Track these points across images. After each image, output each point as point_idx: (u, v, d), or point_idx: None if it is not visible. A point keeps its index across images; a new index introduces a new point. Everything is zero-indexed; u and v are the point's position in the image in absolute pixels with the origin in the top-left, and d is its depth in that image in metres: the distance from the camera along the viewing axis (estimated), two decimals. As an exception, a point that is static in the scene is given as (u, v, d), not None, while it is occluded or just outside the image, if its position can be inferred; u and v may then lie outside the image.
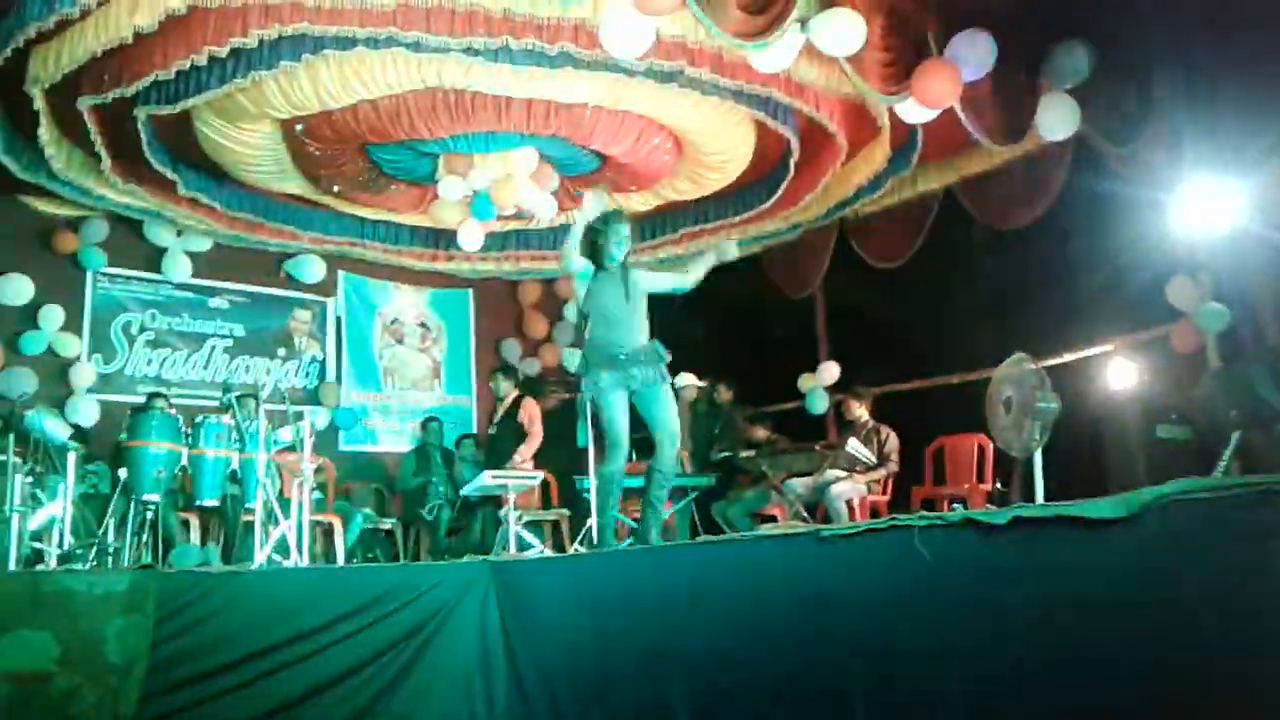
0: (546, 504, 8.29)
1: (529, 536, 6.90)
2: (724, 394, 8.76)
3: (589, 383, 5.19)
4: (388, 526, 8.05)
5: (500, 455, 8.07)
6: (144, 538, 6.02)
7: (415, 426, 9.13)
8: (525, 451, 8.09)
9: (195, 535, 6.82)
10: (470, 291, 10.19)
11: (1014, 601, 2.20)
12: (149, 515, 6.07)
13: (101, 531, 5.97)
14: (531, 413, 8.31)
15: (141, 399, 7.63)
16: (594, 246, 5.20)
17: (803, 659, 2.78)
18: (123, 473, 6.04)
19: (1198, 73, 5.93)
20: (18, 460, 5.73)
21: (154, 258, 8.61)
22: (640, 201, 8.46)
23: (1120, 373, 6.36)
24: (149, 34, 5.57)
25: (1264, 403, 4.26)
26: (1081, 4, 5.83)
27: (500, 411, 8.55)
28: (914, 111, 5.99)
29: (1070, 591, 2.10)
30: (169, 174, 7.20)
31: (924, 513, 2.74)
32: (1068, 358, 6.70)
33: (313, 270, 9.18)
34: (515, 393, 8.53)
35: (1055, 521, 2.11)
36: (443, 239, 8.83)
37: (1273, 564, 1.78)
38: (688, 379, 8.77)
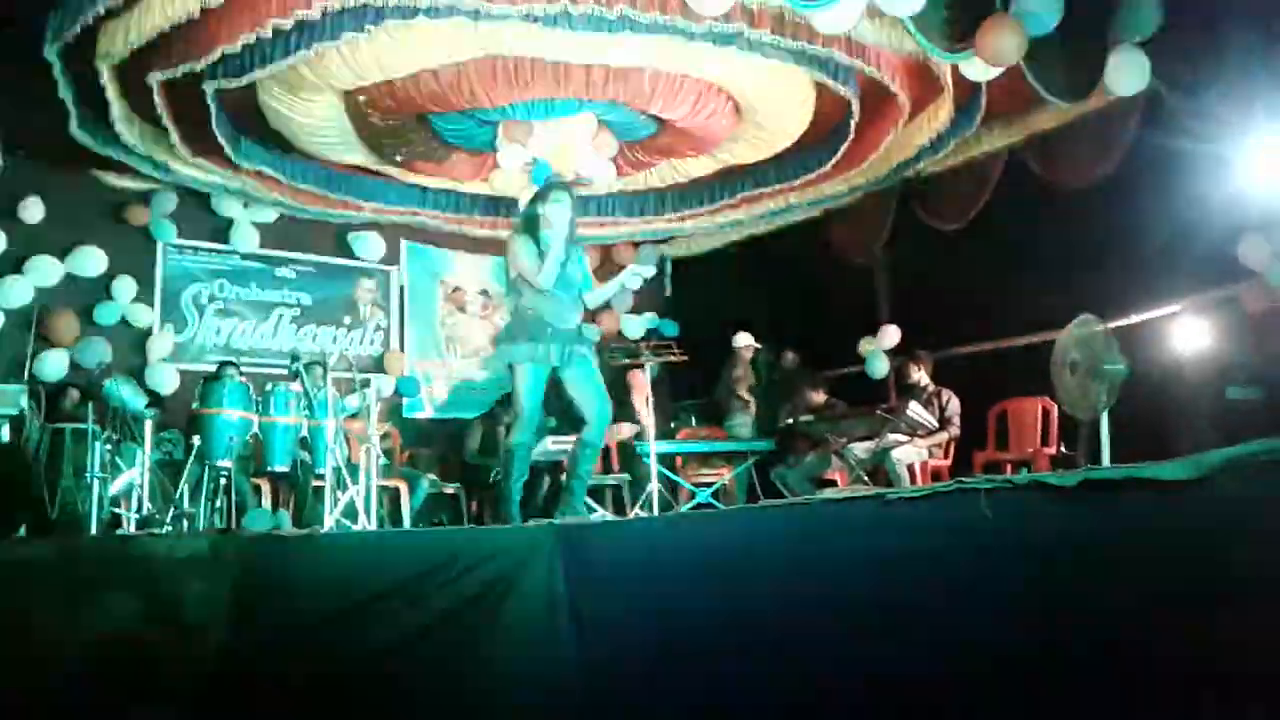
0: (607, 469, 8.35)
1: (591, 501, 6.97)
2: (789, 359, 8.74)
3: (505, 350, 5.18)
4: (451, 491, 8.17)
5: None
6: (217, 503, 6.20)
7: (479, 393, 9.22)
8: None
9: (266, 500, 6.99)
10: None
11: (1083, 566, 2.19)
12: (222, 481, 6.24)
13: (177, 496, 6.15)
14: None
15: (212, 368, 7.82)
16: (534, 219, 5.18)
17: (868, 626, 2.79)
18: (196, 440, 6.23)
19: (1271, 24, 5.75)
20: (96, 428, 5.93)
21: (222, 229, 8.80)
22: (699, 166, 8.43)
23: (1189, 333, 6.23)
24: (216, 9, 5.67)
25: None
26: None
27: None
28: (978, 69, 5.89)
29: (1142, 556, 2.09)
30: (234, 149, 7.31)
31: (989, 476, 2.73)
32: (1135, 319, 6.55)
33: (374, 245, 9.32)
34: None
35: (1125, 484, 2.10)
36: (504, 206, 8.88)
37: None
38: (744, 339, 8.76)
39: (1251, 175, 5.82)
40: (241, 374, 7.16)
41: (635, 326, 10.36)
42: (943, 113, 6.95)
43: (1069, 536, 2.24)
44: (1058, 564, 2.25)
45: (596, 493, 7.71)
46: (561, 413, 6.42)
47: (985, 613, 2.48)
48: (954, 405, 7.13)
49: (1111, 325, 5.57)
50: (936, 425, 7.06)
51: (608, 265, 10.41)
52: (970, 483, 2.47)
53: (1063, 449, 6.53)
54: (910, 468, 6.87)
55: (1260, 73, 5.86)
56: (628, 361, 7.72)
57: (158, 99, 6.59)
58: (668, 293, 10.79)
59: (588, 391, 5.21)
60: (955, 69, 6.13)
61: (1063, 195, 6.97)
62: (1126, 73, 5.86)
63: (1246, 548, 1.95)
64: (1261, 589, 1.91)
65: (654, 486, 6.73)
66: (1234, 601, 1.94)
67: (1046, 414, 6.71)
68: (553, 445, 6.83)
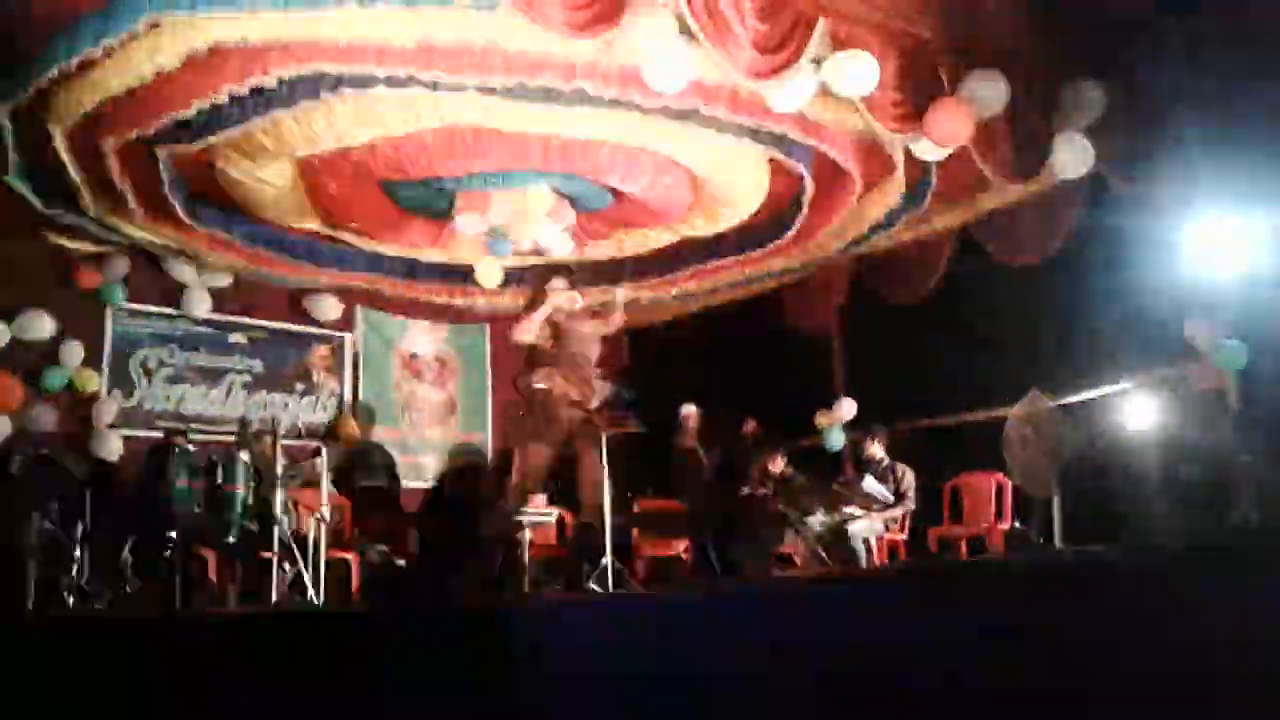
0: (563, 541, 8.24)
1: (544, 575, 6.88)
2: (750, 428, 8.71)
3: None
4: (401, 563, 8.00)
5: None
6: (162, 576, 6.03)
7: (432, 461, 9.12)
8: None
9: (213, 573, 6.81)
10: (487, 327, 10.21)
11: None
12: (167, 553, 6.07)
13: (119, 568, 5.98)
14: None
15: (160, 435, 7.67)
16: None
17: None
18: (141, 511, 6.07)
19: (1212, 110, 5.92)
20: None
21: (174, 293, 8.69)
22: (655, 238, 8.48)
23: (1139, 410, 6.30)
24: (170, 73, 5.65)
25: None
26: (1095, 42, 5.84)
27: None
28: (928, 150, 6.00)
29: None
30: (188, 213, 7.25)
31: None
32: (1086, 395, 6.63)
33: (330, 308, 9.25)
34: None
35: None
36: (460, 275, 8.86)
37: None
38: (688, 409, 8.74)
39: (1196, 257, 5.95)
40: (190, 441, 7.01)
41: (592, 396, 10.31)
42: (894, 190, 7.06)
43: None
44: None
45: (549, 566, 7.59)
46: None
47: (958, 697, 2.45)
48: (909, 479, 7.16)
49: (1062, 401, 5.64)
50: (893, 499, 7.07)
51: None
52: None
53: (1016, 524, 6.54)
54: (867, 542, 6.85)
55: (1201, 157, 6.03)
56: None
57: (111, 162, 6.54)
58: (626, 362, 10.77)
59: None
60: (906, 148, 6.23)
61: (1014, 272, 7.11)
62: (1071, 156, 6.00)
63: (1198, 629, 1.94)
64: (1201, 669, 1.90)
65: (608, 560, 6.64)
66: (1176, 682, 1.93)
67: (1000, 489, 6.73)
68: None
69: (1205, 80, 5.84)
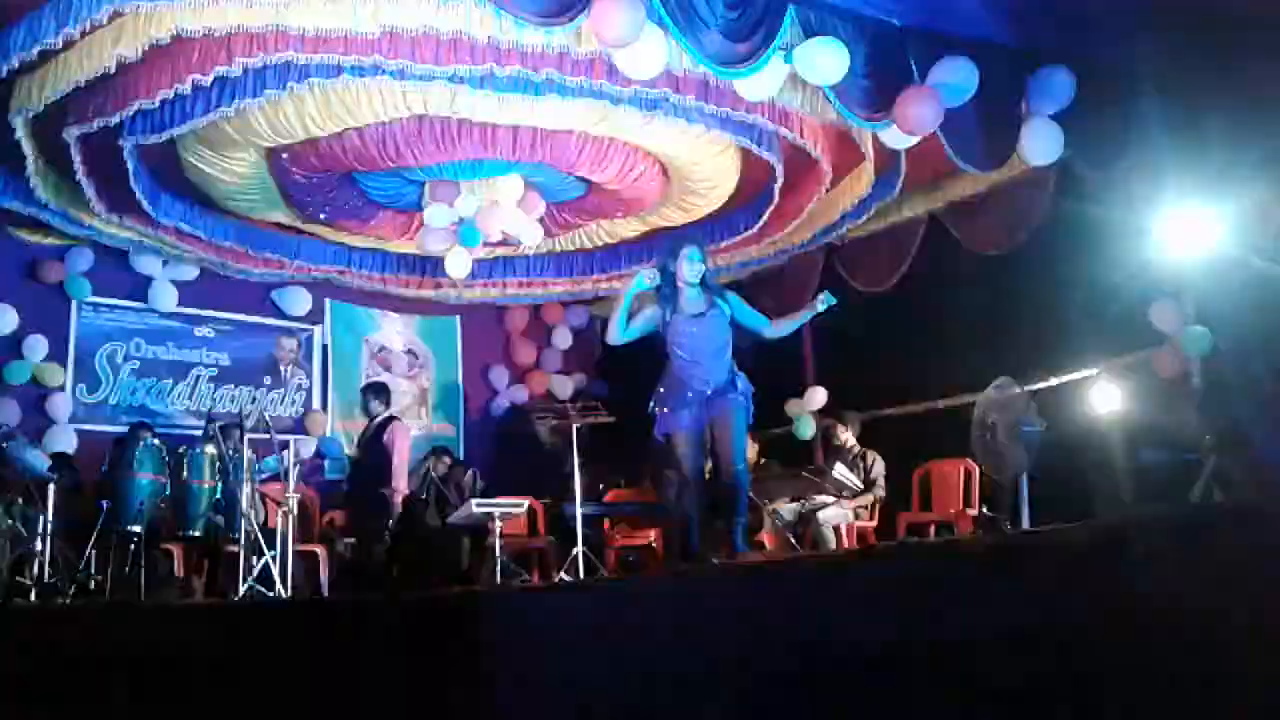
0: (533, 531, 8.24)
1: (514, 565, 6.87)
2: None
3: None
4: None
5: (365, 480, 7.54)
6: (126, 570, 5.98)
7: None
8: (399, 483, 7.34)
9: (179, 566, 6.76)
10: (458, 318, 10.17)
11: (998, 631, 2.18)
12: (132, 547, 6.03)
13: (83, 564, 5.93)
14: (396, 438, 7.46)
15: (126, 429, 7.60)
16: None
17: (790, 692, 2.75)
18: (106, 504, 6.01)
19: (1179, 98, 5.98)
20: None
21: (140, 287, 8.60)
22: (627, 228, 8.47)
23: (1104, 396, 6.36)
24: (133, 63, 5.59)
25: (1240, 426, 4.26)
26: (1063, 30, 5.87)
27: (367, 433, 7.73)
28: (897, 138, 6.02)
29: (1050, 619, 2.09)
30: (153, 205, 7.18)
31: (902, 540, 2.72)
32: (1053, 381, 6.69)
33: (299, 301, 9.17)
34: (386, 413, 7.70)
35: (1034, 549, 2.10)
36: (430, 266, 8.83)
37: (1238, 587, 1.78)
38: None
39: (1162, 243, 6.01)
40: (155, 436, 6.95)
41: (564, 387, 10.30)
42: (864, 179, 7.09)
43: (982, 600, 2.23)
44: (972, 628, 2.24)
45: (522, 557, 7.59)
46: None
47: (916, 681, 2.46)
48: (879, 467, 7.19)
49: (1030, 388, 5.68)
50: (862, 487, 7.10)
51: (536, 324, 10.40)
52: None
53: (984, 510, 6.58)
54: (837, 529, 6.88)
55: (1168, 145, 6.09)
56: (555, 423, 7.64)
57: (74, 154, 6.46)
58: (597, 354, 10.77)
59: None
60: (875, 137, 6.25)
61: (983, 260, 7.16)
62: (1040, 143, 6.03)
63: (1150, 608, 1.96)
64: (1156, 647, 1.92)
65: (579, 549, 6.65)
66: (1136, 662, 1.95)
67: (969, 475, 6.78)
68: (477, 508, 6.71)
69: (1172, 69, 5.91)
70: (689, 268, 5.07)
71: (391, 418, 7.69)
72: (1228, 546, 1.83)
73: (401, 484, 7.33)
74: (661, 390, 5.11)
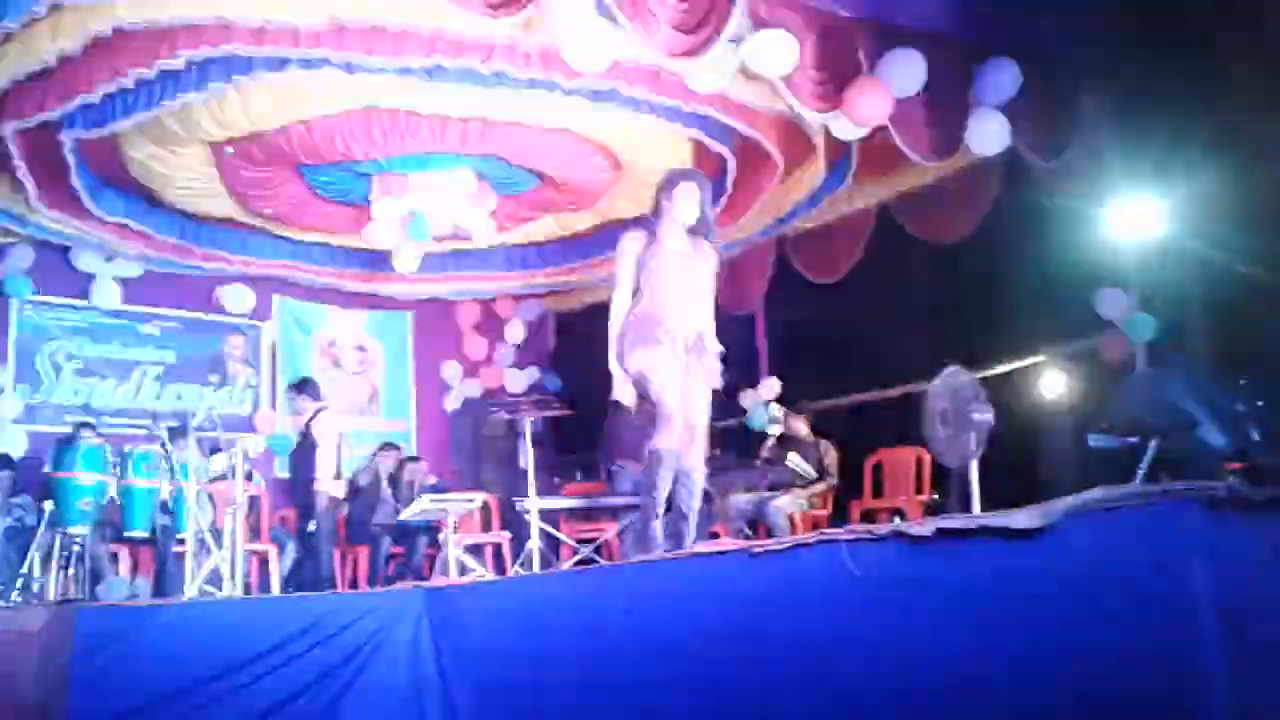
0: (487, 527, 8.19)
1: (469, 560, 6.82)
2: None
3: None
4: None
5: (298, 478, 7.37)
6: (71, 571, 5.87)
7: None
8: (320, 472, 7.04)
9: (125, 568, 6.65)
10: (409, 314, 10.09)
11: (941, 613, 2.20)
12: (76, 548, 5.92)
13: (27, 566, 5.81)
14: (320, 427, 7.17)
15: (69, 429, 7.46)
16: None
17: (737, 677, 2.76)
18: (48, 505, 5.90)
19: (1123, 89, 6.08)
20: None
21: (83, 284, 8.44)
22: (579, 220, 8.45)
23: (1052, 383, 6.45)
24: (73, 57, 5.47)
25: (1182, 410, 4.33)
26: (1010, 23, 5.94)
27: (301, 428, 7.43)
28: (847, 129, 6.05)
29: (995, 602, 2.11)
30: (95, 201, 7.05)
31: (854, 526, 2.74)
32: (1001, 369, 6.77)
33: (243, 299, 9.05)
34: (316, 408, 7.35)
35: (978, 532, 2.12)
36: (380, 261, 8.73)
37: (1183, 569, 1.81)
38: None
39: (1108, 232, 6.10)
40: (99, 435, 6.82)
41: (518, 381, 10.25)
42: (815, 170, 7.11)
43: (928, 585, 2.25)
44: (917, 613, 2.25)
45: (475, 550, 7.54)
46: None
47: (851, 663, 2.48)
48: (832, 456, 7.23)
49: (979, 375, 5.72)
50: (815, 475, 7.13)
51: (489, 318, 10.34)
52: (833, 534, 2.47)
53: (935, 497, 6.65)
54: (790, 518, 6.90)
55: (1113, 135, 6.19)
56: (508, 417, 7.61)
57: (13, 149, 6.32)
58: (551, 347, 10.74)
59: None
60: (826, 128, 6.28)
61: (932, 250, 7.23)
62: (987, 134, 6.10)
63: (1093, 592, 1.98)
64: (1105, 629, 1.94)
65: (534, 543, 6.62)
66: (1082, 643, 1.97)
67: (920, 463, 6.83)
68: (430, 504, 6.65)
69: (1116, 60, 6.00)
70: (684, 207, 4.35)
71: (320, 409, 7.34)
72: (1171, 529, 1.84)
73: (325, 474, 7.03)
74: (630, 333, 4.36)
